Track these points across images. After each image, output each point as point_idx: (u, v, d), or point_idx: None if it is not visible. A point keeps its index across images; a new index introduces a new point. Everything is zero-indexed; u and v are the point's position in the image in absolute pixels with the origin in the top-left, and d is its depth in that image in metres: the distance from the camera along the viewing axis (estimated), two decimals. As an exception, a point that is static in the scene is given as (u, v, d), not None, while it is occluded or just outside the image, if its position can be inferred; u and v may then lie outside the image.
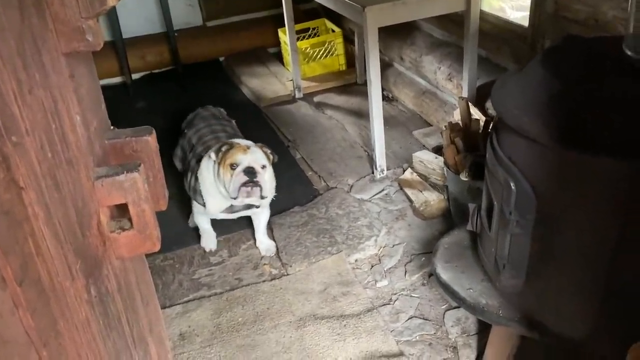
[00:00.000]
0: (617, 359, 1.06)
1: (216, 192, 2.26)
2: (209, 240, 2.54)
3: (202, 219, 2.51)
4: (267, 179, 2.22)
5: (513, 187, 1.39)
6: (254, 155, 2.20)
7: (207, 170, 2.28)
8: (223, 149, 2.21)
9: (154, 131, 0.75)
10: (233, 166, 2.17)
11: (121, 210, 0.70)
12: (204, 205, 2.35)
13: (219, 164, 2.20)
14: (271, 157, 2.28)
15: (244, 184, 2.15)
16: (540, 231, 1.40)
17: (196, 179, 2.34)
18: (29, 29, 0.51)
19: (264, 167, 2.20)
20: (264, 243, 2.52)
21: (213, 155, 2.23)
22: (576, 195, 1.33)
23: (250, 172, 2.15)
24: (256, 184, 2.16)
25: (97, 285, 0.63)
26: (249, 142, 2.31)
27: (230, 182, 2.16)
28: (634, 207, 1.27)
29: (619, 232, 1.30)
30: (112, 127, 0.77)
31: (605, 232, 1.32)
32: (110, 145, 0.72)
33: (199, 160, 2.37)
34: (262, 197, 2.21)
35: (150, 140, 0.73)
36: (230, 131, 2.60)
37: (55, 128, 0.55)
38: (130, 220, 0.68)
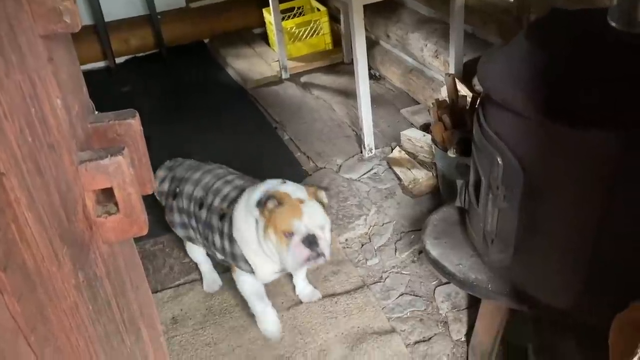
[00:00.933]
0: (603, 328, 1.08)
1: (264, 254, 1.81)
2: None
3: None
4: (329, 237, 1.77)
5: (500, 162, 1.39)
6: (312, 217, 1.72)
7: (246, 227, 1.82)
8: (269, 205, 1.72)
9: (137, 114, 0.74)
10: (287, 234, 1.70)
11: (107, 195, 0.69)
12: (251, 271, 1.90)
13: (266, 225, 1.75)
14: (325, 201, 1.82)
15: (307, 259, 1.72)
16: (528, 205, 1.41)
17: (230, 240, 1.87)
18: (3, 10, 0.50)
19: (324, 226, 1.75)
20: (307, 289, 2.18)
21: (257, 213, 1.75)
22: (563, 168, 1.34)
23: (311, 241, 1.70)
24: (320, 255, 1.71)
25: (85, 270, 0.63)
26: (296, 190, 1.79)
27: (288, 256, 1.71)
28: (620, 179, 1.28)
29: (605, 203, 1.32)
30: (96, 112, 0.76)
31: (592, 204, 1.34)
32: (93, 129, 0.71)
33: (222, 217, 1.89)
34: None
35: (134, 123, 0.72)
36: (233, 170, 2.11)
37: (35, 112, 0.54)
38: (116, 204, 0.68)
